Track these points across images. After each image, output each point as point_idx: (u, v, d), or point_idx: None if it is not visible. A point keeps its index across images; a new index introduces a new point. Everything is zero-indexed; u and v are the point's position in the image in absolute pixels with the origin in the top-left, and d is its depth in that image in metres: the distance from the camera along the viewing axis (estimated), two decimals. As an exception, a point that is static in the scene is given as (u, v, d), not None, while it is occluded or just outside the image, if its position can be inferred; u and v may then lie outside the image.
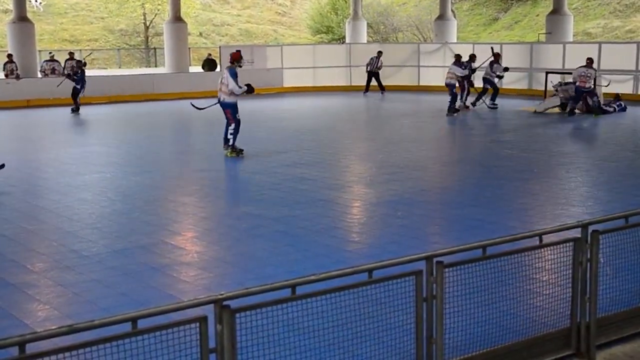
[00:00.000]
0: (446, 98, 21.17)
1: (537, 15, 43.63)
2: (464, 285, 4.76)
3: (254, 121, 20.54)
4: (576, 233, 5.23)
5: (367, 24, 37.57)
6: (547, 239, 5.19)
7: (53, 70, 26.13)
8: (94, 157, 14.54)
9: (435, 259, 4.58)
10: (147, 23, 49.31)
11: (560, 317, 5.22)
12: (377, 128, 19.75)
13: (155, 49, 46.64)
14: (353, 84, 29.88)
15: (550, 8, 30.66)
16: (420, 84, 29.67)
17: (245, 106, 24.48)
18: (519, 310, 5.10)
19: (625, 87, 23.42)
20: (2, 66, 27.05)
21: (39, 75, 26.31)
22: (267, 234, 8.68)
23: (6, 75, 25.55)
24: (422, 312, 4.54)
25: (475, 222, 9.16)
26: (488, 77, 22.61)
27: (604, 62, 24.23)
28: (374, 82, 27.68)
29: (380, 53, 27.84)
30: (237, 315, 3.90)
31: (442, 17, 32.26)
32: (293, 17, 56.67)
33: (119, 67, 42.58)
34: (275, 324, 4.07)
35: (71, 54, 27.71)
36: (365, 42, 35.01)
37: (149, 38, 49.43)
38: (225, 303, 3.85)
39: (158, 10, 48.04)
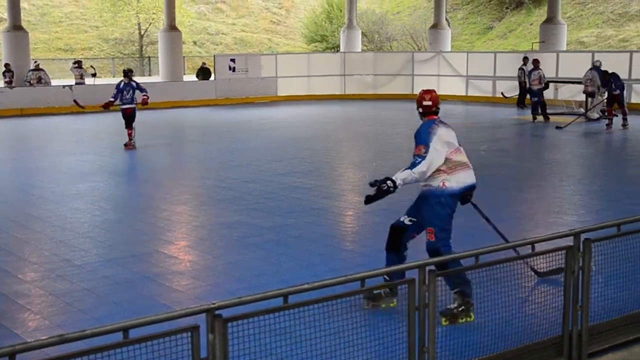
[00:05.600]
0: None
1: (531, 24, 43.77)
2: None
3: (248, 130, 20.56)
4: (568, 241, 5.23)
5: (362, 32, 37.67)
6: (539, 247, 5.20)
7: (39, 80, 26.07)
8: (87, 166, 14.52)
9: (427, 268, 4.58)
10: (142, 32, 49.33)
11: (552, 325, 5.22)
12: (371, 137, 19.78)
13: (149, 57, 46.64)
14: (347, 93, 29.93)
15: (544, 17, 30.79)
16: (415, 92, 29.61)
17: (238, 115, 24.54)
18: (511, 318, 5.10)
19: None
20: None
21: (25, 84, 26.24)
22: (261, 243, 8.67)
23: (7, 83, 25.60)
24: (415, 321, 4.54)
25: (468, 231, 9.13)
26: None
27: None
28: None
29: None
30: (230, 324, 3.89)
31: (436, 26, 32.38)
32: (288, 26, 56.76)
33: (113, 76, 42.51)
34: (267, 333, 4.06)
35: (79, 62, 27.80)
36: (360, 50, 35.09)
37: (144, 47, 49.43)
38: (217, 312, 3.84)
39: (152, 19, 48.05)
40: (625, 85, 19.90)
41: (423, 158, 6.00)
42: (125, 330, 3.60)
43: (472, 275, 4.82)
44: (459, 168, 6.17)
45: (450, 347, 4.74)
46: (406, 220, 6.33)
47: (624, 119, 19.01)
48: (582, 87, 20.98)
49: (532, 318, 5.25)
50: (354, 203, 11.24)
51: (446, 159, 6.06)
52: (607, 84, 19.17)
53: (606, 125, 19.25)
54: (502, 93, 24.87)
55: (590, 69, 20.70)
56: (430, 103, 6.29)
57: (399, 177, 6.01)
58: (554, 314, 5.24)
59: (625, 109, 19.16)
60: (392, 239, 6.33)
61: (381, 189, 6.04)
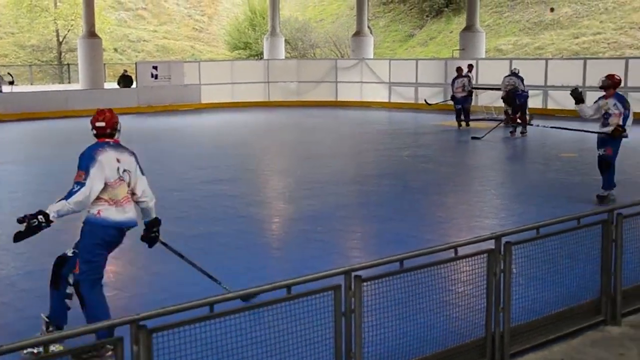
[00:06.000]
0: (362, 114, 21.33)
1: (451, 32, 44.64)
2: (383, 299, 4.80)
3: (172, 138, 20.33)
4: (490, 245, 5.34)
5: (285, 40, 37.73)
6: (462, 251, 5.29)
7: None
8: (5, 176, 14.10)
9: (353, 274, 4.61)
10: (60, 39, 48.26)
11: (476, 327, 5.32)
12: (295, 143, 19.81)
13: (68, 65, 45.65)
14: (271, 100, 29.93)
15: (464, 25, 31.44)
16: (338, 99, 29.95)
17: (161, 123, 24.24)
18: (436, 322, 5.18)
19: (535, 101, 24.16)
20: None
21: None
22: (186, 252, 8.53)
23: None
24: (341, 327, 4.56)
25: (393, 236, 9.27)
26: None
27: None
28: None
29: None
30: (154, 335, 3.83)
31: (358, 33, 32.69)
32: (210, 33, 56.41)
33: (31, 84, 41.45)
34: (193, 342, 4.02)
35: None
36: (284, 58, 35.16)
37: (62, 54, 48.35)
38: (141, 323, 3.78)
39: (71, 25, 47.06)
40: (528, 95, 20.21)
41: (81, 186, 5.38)
42: (45, 344, 3.51)
43: (397, 280, 4.87)
44: (124, 200, 5.61)
45: (377, 352, 4.78)
46: (69, 252, 5.75)
47: (524, 127, 19.41)
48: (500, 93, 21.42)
49: (456, 321, 5.33)
50: (280, 210, 11.24)
51: (108, 187, 5.49)
52: (512, 97, 19.59)
53: (510, 132, 19.69)
54: (425, 100, 25.16)
55: (509, 76, 21.25)
56: (103, 124, 5.65)
57: (52, 209, 5.35)
58: (477, 316, 5.34)
59: (527, 117, 19.53)
60: (53, 272, 5.69)
61: (31, 225, 5.31)
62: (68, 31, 47.60)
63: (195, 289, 7.06)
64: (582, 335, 5.91)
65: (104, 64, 33.82)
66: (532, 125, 17.94)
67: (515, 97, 19.53)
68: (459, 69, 22.08)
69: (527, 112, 19.80)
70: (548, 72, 24.98)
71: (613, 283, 6.16)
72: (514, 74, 21.09)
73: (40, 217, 5.28)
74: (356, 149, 18.58)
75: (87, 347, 4.68)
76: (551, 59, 29.75)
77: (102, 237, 5.48)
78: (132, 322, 3.77)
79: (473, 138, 19.10)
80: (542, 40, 41.35)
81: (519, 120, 19.57)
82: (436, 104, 24.96)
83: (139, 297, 7.06)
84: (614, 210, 6.15)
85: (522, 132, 19.53)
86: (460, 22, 40.88)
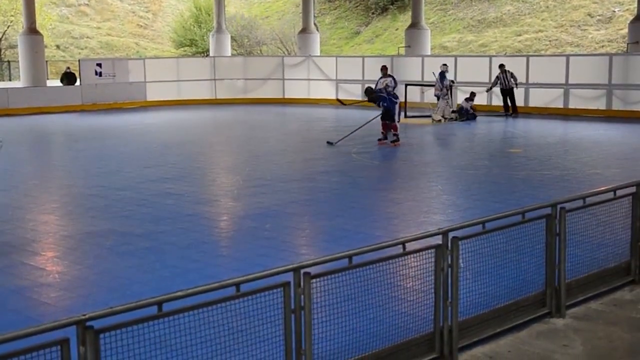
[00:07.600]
0: (309, 111, 21.29)
1: (397, 29, 44.95)
2: (332, 295, 4.82)
3: (117, 136, 20.07)
4: (437, 240, 5.40)
5: (231, 37, 37.55)
6: (410, 246, 5.33)
7: None
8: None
9: (302, 270, 4.61)
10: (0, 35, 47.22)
11: (424, 322, 5.38)
12: (243, 141, 19.73)
13: (9, 62, 44.69)
14: (218, 97, 29.76)
15: (409, 22, 31.69)
16: (285, 96, 29.93)
17: (106, 121, 23.91)
18: (385, 317, 5.21)
19: (479, 98, 24.48)
20: None
21: None
22: (133, 251, 8.48)
23: None
24: (291, 324, 4.56)
25: (342, 232, 9.31)
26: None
27: (459, 74, 25.32)
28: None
29: (502, 66, 24.00)
30: (101, 335, 3.78)
31: (305, 30, 32.70)
32: (155, 30, 55.78)
33: (-32, 82, 40.44)
34: (141, 342, 3.98)
35: None
36: (230, 55, 34.98)
37: (2, 50, 47.30)
38: (88, 324, 3.73)
39: (11, 21, 46.08)
40: (397, 101, 17.98)
41: None
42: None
43: (346, 276, 4.90)
44: None
45: (327, 348, 4.79)
46: None
47: (395, 135, 17.48)
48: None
49: (405, 316, 5.38)
50: (228, 208, 11.18)
51: None
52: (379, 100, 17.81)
53: (378, 140, 17.77)
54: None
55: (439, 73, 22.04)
56: None
57: None
58: (426, 311, 5.39)
59: (397, 124, 17.57)
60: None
61: None
62: (8, 27, 46.60)
63: (144, 288, 7.01)
64: (528, 328, 6.01)
65: (46, 61, 33.20)
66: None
67: (379, 102, 17.69)
68: (383, 68, 20.43)
69: (398, 120, 17.86)
70: (492, 69, 25.32)
71: (557, 276, 6.28)
72: (440, 71, 21.74)
73: None
74: (304, 146, 18.58)
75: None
76: (495, 56, 30.16)
77: None
78: (78, 322, 3.71)
79: (328, 143, 17.62)
80: (485, 38, 41.92)
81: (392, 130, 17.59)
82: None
83: (86, 297, 6.96)
84: (557, 205, 6.27)
85: (392, 142, 17.43)
86: (405, 19, 41.19)
